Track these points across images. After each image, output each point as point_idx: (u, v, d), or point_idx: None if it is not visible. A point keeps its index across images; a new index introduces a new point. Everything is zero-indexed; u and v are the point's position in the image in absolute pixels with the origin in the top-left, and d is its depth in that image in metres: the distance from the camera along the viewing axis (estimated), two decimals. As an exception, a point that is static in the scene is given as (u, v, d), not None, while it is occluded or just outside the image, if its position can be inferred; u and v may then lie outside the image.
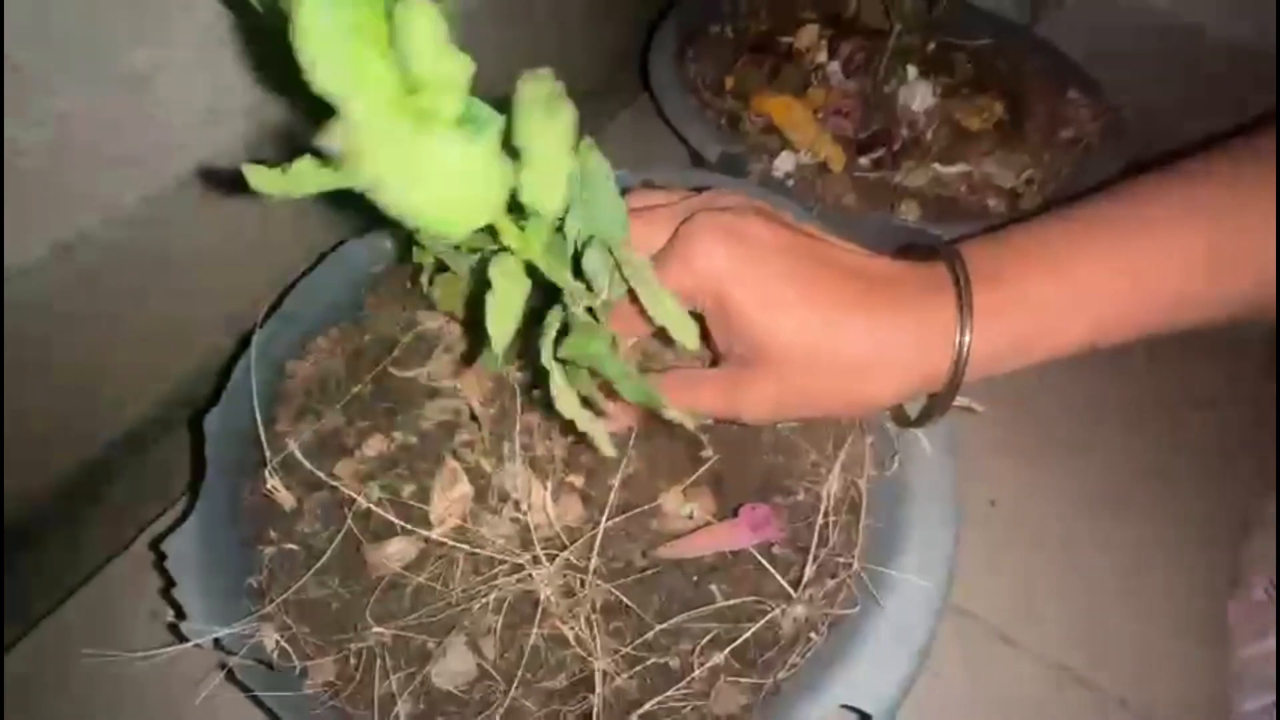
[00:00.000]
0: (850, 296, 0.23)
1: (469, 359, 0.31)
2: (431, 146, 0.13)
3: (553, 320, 0.21)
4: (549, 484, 0.31)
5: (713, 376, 0.27)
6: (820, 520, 0.31)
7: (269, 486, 0.30)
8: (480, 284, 0.19)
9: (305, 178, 0.13)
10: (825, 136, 0.50)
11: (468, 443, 0.33)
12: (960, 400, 0.32)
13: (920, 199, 0.49)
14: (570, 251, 0.21)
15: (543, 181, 0.16)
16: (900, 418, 0.31)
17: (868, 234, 0.45)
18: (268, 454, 0.31)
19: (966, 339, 0.23)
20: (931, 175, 0.49)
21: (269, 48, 0.43)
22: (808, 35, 0.58)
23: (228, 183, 0.43)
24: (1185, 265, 0.22)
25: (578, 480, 0.31)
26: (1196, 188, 0.23)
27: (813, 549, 0.28)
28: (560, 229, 0.21)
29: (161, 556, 0.27)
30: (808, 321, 0.23)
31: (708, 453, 0.33)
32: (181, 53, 0.38)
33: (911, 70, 0.55)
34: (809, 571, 0.28)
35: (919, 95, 0.53)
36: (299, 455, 0.31)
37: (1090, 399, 0.52)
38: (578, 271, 0.22)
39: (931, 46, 0.59)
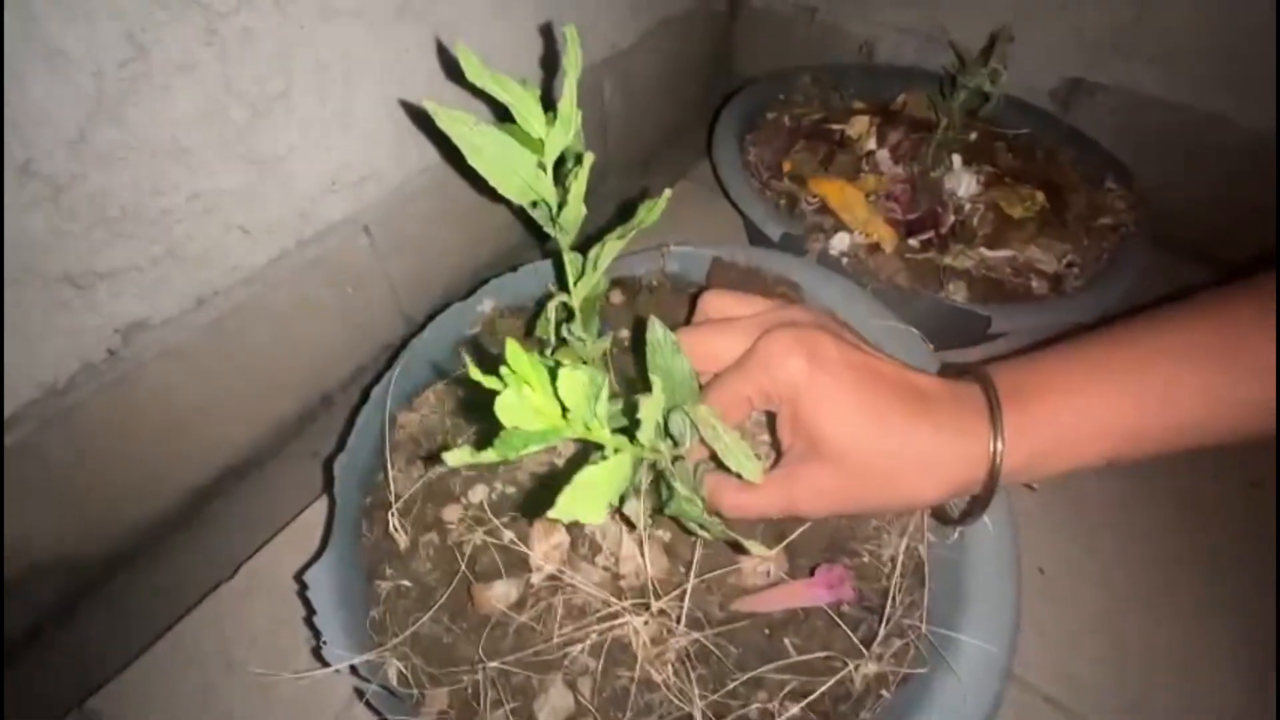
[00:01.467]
0: (900, 409, 0.27)
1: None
2: (592, 474, 0.19)
3: (640, 475, 0.27)
4: (639, 538, 0.34)
5: (773, 475, 0.29)
6: (887, 582, 0.33)
7: (392, 527, 0.34)
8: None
9: (488, 458, 0.19)
10: (877, 219, 0.55)
11: (562, 495, 0.36)
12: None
13: (968, 280, 0.52)
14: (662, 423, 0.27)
15: (652, 430, 0.23)
16: (942, 517, 0.34)
17: (920, 311, 0.49)
18: (391, 497, 0.35)
19: (1000, 448, 0.26)
20: (978, 258, 0.53)
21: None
22: (859, 124, 0.63)
23: (337, 248, 0.49)
24: (1187, 396, 0.25)
25: (664, 535, 0.35)
26: (1199, 324, 0.26)
27: (887, 609, 0.31)
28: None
29: (303, 586, 0.31)
30: (864, 428, 0.27)
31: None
32: (312, 137, 0.44)
33: (956, 159, 0.60)
34: (882, 631, 0.30)
35: (964, 183, 0.57)
36: (410, 501, 0.35)
37: (1140, 473, 0.53)
38: (665, 429, 0.27)
39: (974, 136, 0.63)
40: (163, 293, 0.42)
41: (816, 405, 0.27)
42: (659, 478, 0.27)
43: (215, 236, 0.43)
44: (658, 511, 0.28)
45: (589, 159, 0.25)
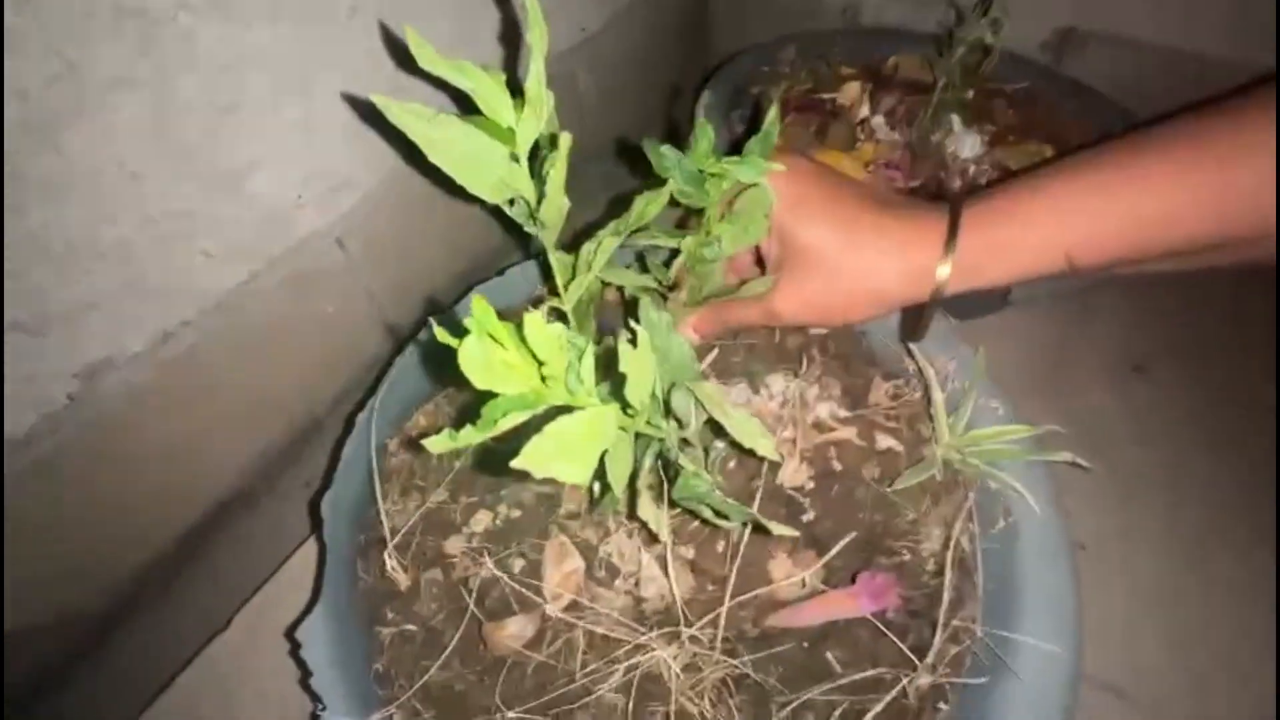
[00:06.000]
0: (864, 211, 0.30)
1: (594, 504, 0.34)
2: (565, 425, 0.17)
3: (646, 457, 0.26)
4: (661, 556, 0.31)
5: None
6: (931, 581, 0.31)
7: (390, 567, 0.31)
8: None
9: (468, 438, 0.17)
10: (879, 189, 0.52)
11: (571, 514, 0.34)
12: (1064, 455, 0.32)
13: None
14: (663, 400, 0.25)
15: (641, 389, 0.21)
16: (909, 327, 0.35)
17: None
18: (386, 535, 0.32)
19: (943, 262, 0.28)
20: (989, 222, 0.50)
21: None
22: (850, 91, 0.60)
23: (310, 264, 0.46)
24: (1158, 189, 0.25)
25: (686, 551, 0.32)
26: (1180, 134, 0.26)
27: (941, 614, 0.28)
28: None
29: (295, 645, 0.28)
30: (825, 226, 0.30)
31: (809, 515, 0.34)
32: (272, 149, 0.41)
33: (955, 120, 0.57)
34: (938, 638, 0.28)
35: (967, 144, 0.54)
36: (408, 534, 0.32)
37: (1172, 438, 0.51)
38: (667, 410, 0.25)
39: (971, 94, 0.60)
40: (125, 329, 0.39)
41: (784, 210, 0.30)
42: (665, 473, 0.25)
43: (177, 264, 0.40)
44: (674, 507, 0.26)
45: (565, 140, 0.22)
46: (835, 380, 0.39)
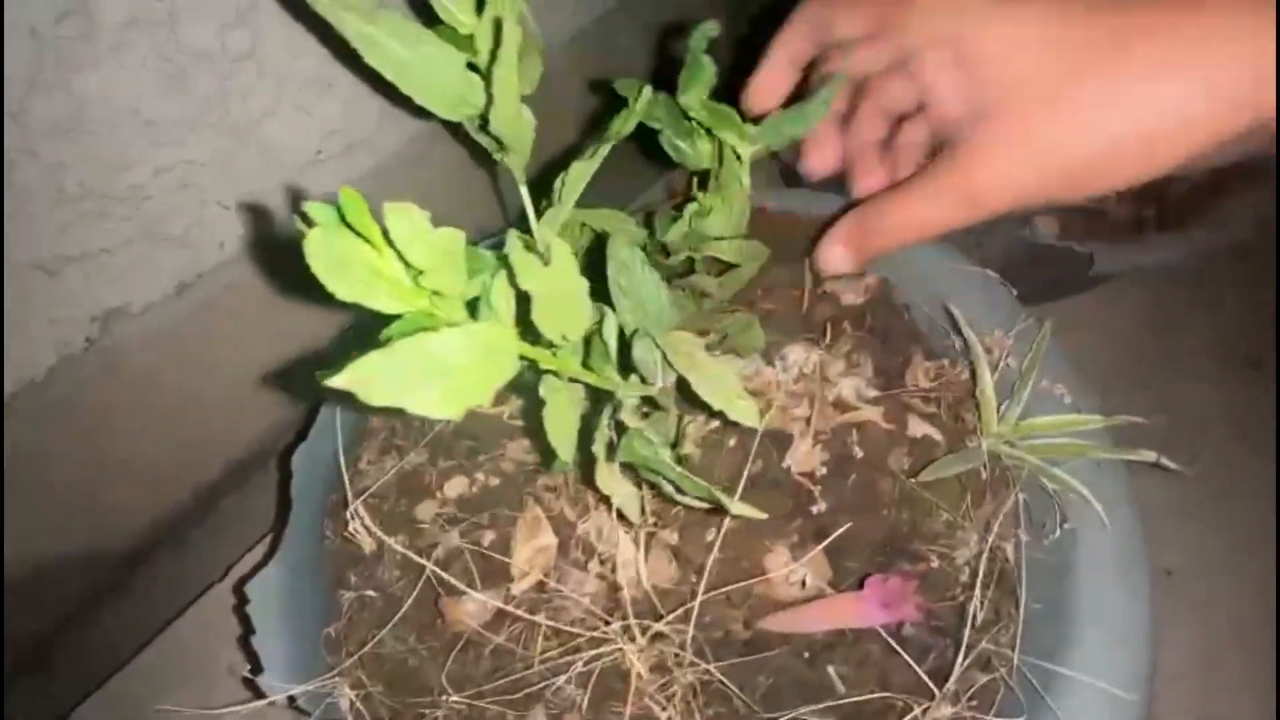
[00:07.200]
0: (1112, 19, 0.18)
1: (544, 463, 0.30)
2: (443, 343, 0.13)
3: (602, 417, 0.21)
4: (638, 538, 0.27)
5: (935, 171, 0.21)
6: (964, 596, 0.25)
7: (350, 529, 0.29)
8: (534, 399, 0.18)
9: (358, 371, 0.13)
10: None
11: (551, 487, 0.31)
12: (1147, 454, 0.26)
13: (1059, 213, 0.42)
14: (615, 347, 0.21)
15: (557, 318, 0.17)
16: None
17: (997, 251, 0.39)
18: (349, 493, 0.30)
19: None
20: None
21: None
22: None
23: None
24: None
25: (670, 536, 0.28)
26: None
27: (967, 634, 0.23)
28: (599, 333, 0.20)
29: (243, 600, 0.27)
30: (1056, 49, 0.18)
31: (819, 507, 0.29)
32: (287, 99, 0.40)
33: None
34: (960, 662, 0.23)
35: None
36: (379, 496, 0.30)
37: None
38: (628, 364, 0.21)
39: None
40: (141, 276, 0.39)
41: (989, 37, 0.19)
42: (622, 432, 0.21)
43: (193, 214, 0.39)
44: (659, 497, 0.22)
45: (512, 13, 0.18)
46: (868, 356, 0.34)
